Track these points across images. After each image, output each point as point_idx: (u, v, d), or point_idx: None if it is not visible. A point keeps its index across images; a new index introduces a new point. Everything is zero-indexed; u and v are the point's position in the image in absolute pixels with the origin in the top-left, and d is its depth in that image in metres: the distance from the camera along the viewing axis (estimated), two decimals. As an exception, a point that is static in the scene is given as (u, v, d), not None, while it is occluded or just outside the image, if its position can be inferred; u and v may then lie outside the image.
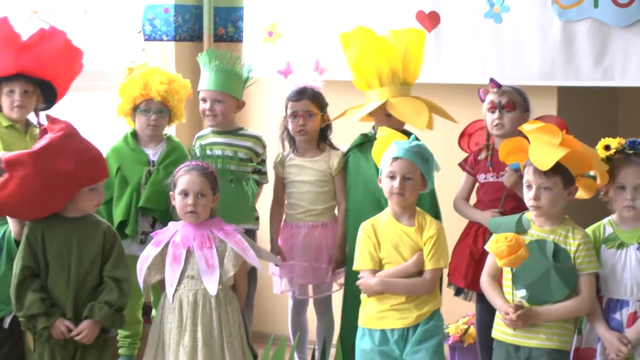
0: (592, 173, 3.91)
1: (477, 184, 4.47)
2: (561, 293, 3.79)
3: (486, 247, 3.86)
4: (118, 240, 4.05)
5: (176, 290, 4.04)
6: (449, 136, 4.55)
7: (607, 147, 3.88)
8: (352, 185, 4.52)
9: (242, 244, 4.04)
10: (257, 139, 4.63)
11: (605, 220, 3.93)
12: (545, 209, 3.82)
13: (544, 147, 3.77)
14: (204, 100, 4.60)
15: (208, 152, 4.53)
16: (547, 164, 3.74)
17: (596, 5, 4.55)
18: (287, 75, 4.79)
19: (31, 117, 4.49)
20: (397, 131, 4.19)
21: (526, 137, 3.90)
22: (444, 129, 4.52)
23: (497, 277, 3.93)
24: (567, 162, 3.76)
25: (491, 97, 4.37)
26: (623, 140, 3.87)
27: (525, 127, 3.88)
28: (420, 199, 4.13)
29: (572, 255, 3.80)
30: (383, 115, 4.41)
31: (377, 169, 4.10)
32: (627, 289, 3.82)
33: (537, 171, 3.78)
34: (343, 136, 4.63)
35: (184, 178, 4.07)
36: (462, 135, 4.54)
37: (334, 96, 4.67)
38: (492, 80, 4.38)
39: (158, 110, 4.50)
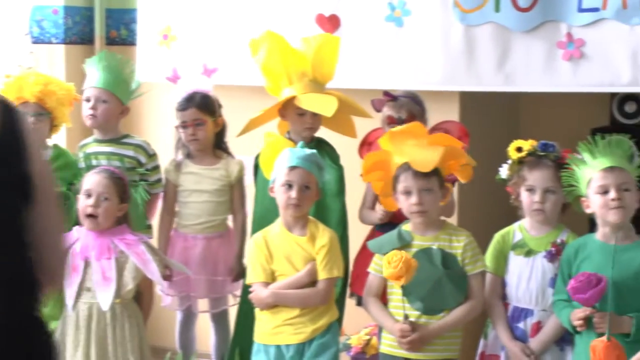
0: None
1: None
2: (455, 299, 3.70)
3: (370, 269, 3.80)
4: None
5: (76, 302, 3.88)
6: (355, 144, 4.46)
7: (519, 149, 3.84)
8: (259, 189, 4.34)
9: (144, 256, 3.88)
10: (140, 148, 4.47)
11: (516, 225, 3.87)
12: (431, 213, 3.71)
13: (422, 148, 3.68)
14: (88, 100, 4.45)
15: (94, 162, 4.35)
16: (430, 164, 3.64)
17: (497, 9, 4.46)
18: (176, 81, 4.68)
19: None
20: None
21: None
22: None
23: (381, 295, 3.82)
24: (441, 161, 3.69)
25: (389, 111, 4.27)
26: (535, 143, 3.83)
27: (392, 131, 3.80)
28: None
29: (459, 258, 3.71)
30: (295, 116, 4.26)
31: None
32: (533, 297, 3.76)
33: (417, 174, 3.66)
34: (250, 140, 4.46)
35: (90, 178, 3.94)
36: (362, 144, 4.44)
37: (232, 102, 4.55)
38: (386, 93, 4.30)
39: (36, 113, 4.32)
